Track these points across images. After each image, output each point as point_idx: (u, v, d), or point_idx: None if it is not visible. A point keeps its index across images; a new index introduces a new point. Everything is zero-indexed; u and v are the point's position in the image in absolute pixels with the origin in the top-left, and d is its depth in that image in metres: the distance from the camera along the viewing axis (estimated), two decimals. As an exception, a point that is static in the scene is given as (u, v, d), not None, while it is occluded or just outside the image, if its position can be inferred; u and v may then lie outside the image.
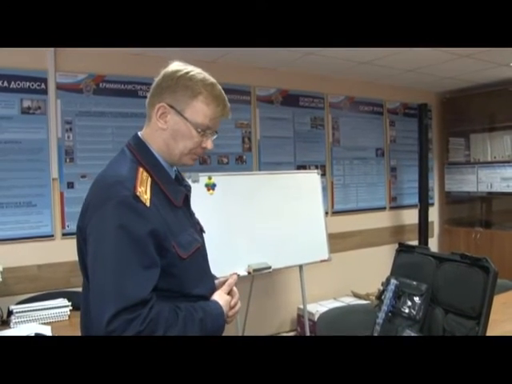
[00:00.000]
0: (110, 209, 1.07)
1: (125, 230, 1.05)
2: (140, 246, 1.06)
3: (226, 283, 1.31)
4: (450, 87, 4.81)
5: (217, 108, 1.21)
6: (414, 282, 1.65)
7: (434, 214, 5.06)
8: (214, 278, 1.37)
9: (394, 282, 1.70)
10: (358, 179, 4.53)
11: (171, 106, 1.18)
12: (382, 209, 4.70)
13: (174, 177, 1.28)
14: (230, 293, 1.31)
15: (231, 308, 1.29)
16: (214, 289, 1.30)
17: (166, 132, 1.20)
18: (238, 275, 1.43)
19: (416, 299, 1.61)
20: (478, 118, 4.74)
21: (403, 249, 1.82)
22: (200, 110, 1.19)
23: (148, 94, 1.24)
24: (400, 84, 4.61)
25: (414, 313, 1.60)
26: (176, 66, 1.22)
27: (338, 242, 4.15)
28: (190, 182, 2.95)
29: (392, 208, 4.77)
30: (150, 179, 1.15)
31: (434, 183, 5.11)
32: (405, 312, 1.63)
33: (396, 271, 1.79)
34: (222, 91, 1.23)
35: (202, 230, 1.37)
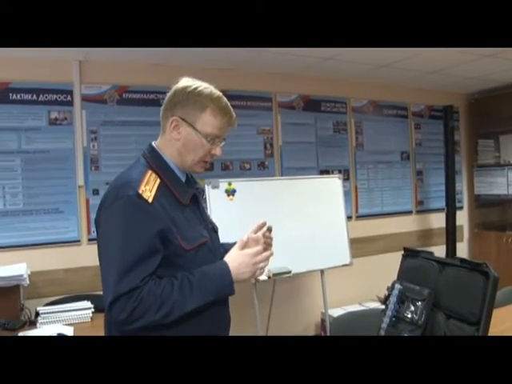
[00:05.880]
0: (116, 208, 1.23)
1: (128, 225, 1.21)
2: (141, 238, 1.20)
3: (238, 241, 1.39)
4: (478, 88, 4.68)
5: (223, 119, 1.35)
6: (417, 287, 1.64)
7: (463, 218, 4.94)
8: None
9: (398, 286, 1.70)
10: (383, 183, 4.48)
11: (183, 119, 1.32)
12: (409, 213, 4.62)
13: (184, 180, 1.41)
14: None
15: (255, 256, 1.35)
16: None
17: (180, 142, 1.34)
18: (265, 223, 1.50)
19: (418, 304, 1.60)
20: (507, 119, 4.58)
21: (408, 253, 1.82)
22: (208, 122, 1.33)
23: (161, 107, 1.38)
24: (424, 86, 4.53)
25: (416, 318, 1.58)
26: (185, 82, 1.35)
27: (362, 246, 4.13)
28: (209, 187, 3.02)
29: (419, 212, 4.68)
30: (158, 180, 1.29)
31: (462, 186, 4.99)
32: (407, 317, 1.62)
33: (401, 276, 1.79)
34: (228, 103, 1.36)
35: (214, 229, 1.50)
